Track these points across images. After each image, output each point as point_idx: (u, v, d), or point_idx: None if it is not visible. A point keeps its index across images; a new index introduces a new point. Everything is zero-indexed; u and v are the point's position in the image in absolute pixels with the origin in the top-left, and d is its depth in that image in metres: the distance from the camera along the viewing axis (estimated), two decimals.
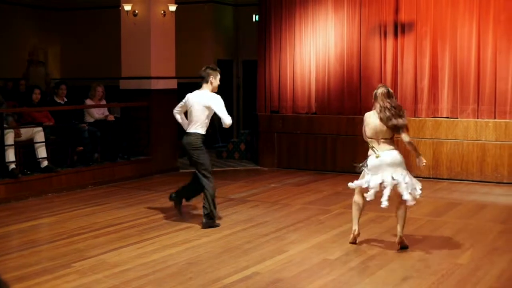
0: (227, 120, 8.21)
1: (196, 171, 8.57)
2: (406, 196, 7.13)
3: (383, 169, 7.16)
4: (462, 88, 12.08)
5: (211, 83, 8.41)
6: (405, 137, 7.19)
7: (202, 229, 8.31)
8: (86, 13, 17.99)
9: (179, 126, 13.60)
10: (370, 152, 7.28)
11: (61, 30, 18.32)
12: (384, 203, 7.09)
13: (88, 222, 8.76)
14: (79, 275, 6.43)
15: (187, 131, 8.50)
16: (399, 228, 7.32)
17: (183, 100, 8.63)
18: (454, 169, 12.13)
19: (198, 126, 8.39)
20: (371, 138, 7.28)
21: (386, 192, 7.13)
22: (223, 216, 9.08)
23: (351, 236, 7.58)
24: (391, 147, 7.21)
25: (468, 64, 12.01)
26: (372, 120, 7.26)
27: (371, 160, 7.22)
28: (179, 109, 8.75)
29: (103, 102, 12.59)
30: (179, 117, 8.79)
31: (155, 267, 6.69)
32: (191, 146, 8.41)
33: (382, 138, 7.21)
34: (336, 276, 6.36)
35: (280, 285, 6.13)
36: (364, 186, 7.27)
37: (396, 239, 7.33)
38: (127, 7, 12.79)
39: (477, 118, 11.98)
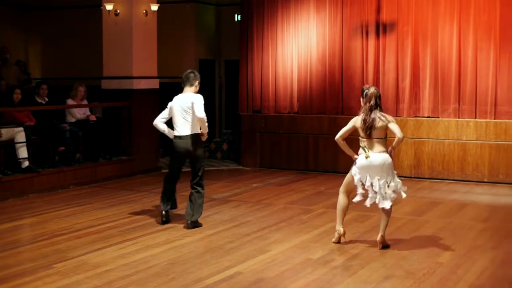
0: (201, 114, 8.24)
1: (198, 170, 8.53)
2: (382, 205, 7.24)
3: (371, 170, 7.20)
4: (443, 88, 12.15)
5: (196, 86, 8.48)
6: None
7: (184, 229, 8.30)
8: (67, 12, 17.86)
9: None
10: (360, 151, 7.32)
11: (43, 30, 18.19)
12: (368, 203, 7.26)
13: (70, 223, 8.71)
14: (60, 276, 6.39)
15: (186, 134, 8.37)
16: (381, 227, 7.35)
17: (168, 108, 8.55)
18: (436, 169, 12.20)
19: (195, 127, 8.41)
20: (363, 138, 7.32)
21: (370, 196, 7.24)
22: (205, 216, 9.07)
23: (335, 235, 7.59)
24: (383, 149, 7.24)
25: (449, 64, 12.09)
26: (358, 120, 7.31)
27: (361, 160, 7.25)
28: (164, 118, 8.63)
29: (85, 102, 12.53)
30: (164, 127, 8.65)
31: (138, 268, 6.67)
32: (199, 145, 8.47)
33: (375, 138, 7.25)
34: (319, 276, 6.38)
35: (262, 285, 6.13)
36: (359, 192, 7.31)
37: (378, 238, 7.36)
38: (109, 7, 12.74)
39: (458, 118, 12.06)
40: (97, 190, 11.27)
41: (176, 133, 8.45)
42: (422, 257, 7.01)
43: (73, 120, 12.17)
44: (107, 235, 8.03)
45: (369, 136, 7.27)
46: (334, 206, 9.62)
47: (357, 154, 7.34)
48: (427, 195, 10.81)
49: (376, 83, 12.63)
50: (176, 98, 8.51)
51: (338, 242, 7.58)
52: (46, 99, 12.02)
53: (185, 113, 8.35)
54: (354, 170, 7.32)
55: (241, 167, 14.01)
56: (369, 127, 7.24)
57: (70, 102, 12.27)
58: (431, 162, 12.23)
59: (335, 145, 12.76)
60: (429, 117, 12.32)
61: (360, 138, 7.35)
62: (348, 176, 7.49)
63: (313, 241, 7.71)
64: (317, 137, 13.30)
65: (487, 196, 10.83)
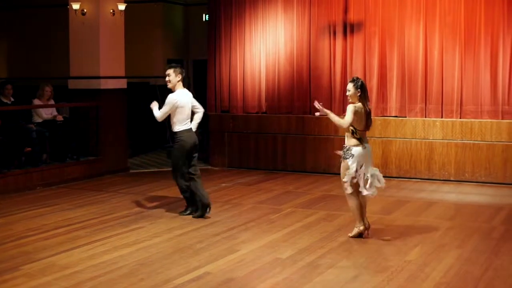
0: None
1: (195, 165, 8.94)
2: (370, 191, 7.63)
3: (366, 160, 7.57)
4: (410, 88, 12.28)
5: None
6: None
7: (153, 230, 8.27)
8: (33, 11, 17.70)
9: (129, 126, 13.59)
10: (350, 143, 7.55)
11: (8, 29, 18.01)
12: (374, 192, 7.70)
13: (37, 224, 8.63)
14: (27, 278, 6.33)
15: (190, 128, 8.94)
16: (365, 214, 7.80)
17: (171, 105, 8.76)
18: (403, 168, 12.31)
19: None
20: (362, 131, 7.58)
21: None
22: (173, 216, 9.06)
23: (355, 231, 7.82)
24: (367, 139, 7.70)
25: (416, 64, 12.21)
26: (362, 112, 7.58)
27: (359, 151, 7.52)
28: (166, 114, 8.93)
29: (52, 102, 12.41)
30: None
31: (106, 269, 6.63)
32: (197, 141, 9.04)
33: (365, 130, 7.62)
34: (288, 275, 6.40)
35: (231, 285, 6.13)
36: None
37: (367, 225, 7.80)
38: (75, 6, 12.63)
39: (425, 117, 12.19)
40: (64, 191, 11.18)
41: (187, 126, 8.87)
42: (390, 256, 7.08)
43: (39, 120, 12.05)
44: (75, 236, 7.97)
45: (367, 128, 7.66)
46: (302, 205, 9.75)
47: (348, 146, 7.62)
48: (395, 194, 10.90)
49: (343, 83, 12.71)
50: (180, 95, 8.90)
51: (359, 236, 7.80)
52: (12, 99, 11.88)
53: (189, 109, 8.96)
54: (352, 162, 7.53)
55: (209, 167, 13.98)
56: (369, 118, 7.65)
57: (36, 102, 12.15)
58: (398, 161, 12.34)
59: (303, 145, 12.97)
60: (396, 116, 12.43)
61: (359, 131, 7.56)
62: (347, 175, 7.61)
63: (282, 241, 7.73)
64: (285, 136, 13.34)
65: (453, 194, 10.96)
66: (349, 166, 7.56)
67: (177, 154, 8.89)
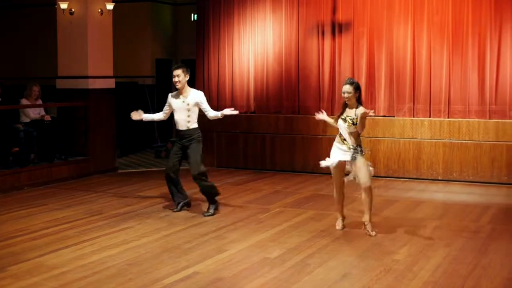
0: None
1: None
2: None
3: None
4: (398, 87, 12.31)
5: None
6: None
7: (142, 230, 8.26)
8: (21, 11, 17.64)
9: (118, 126, 13.56)
10: (358, 142, 7.83)
11: None
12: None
13: (25, 224, 8.60)
14: (15, 279, 6.30)
15: None
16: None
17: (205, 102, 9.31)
18: (391, 167, 12.35)
19: None
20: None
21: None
22: (163, 216, 9.05)
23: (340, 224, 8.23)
24: None
25: (404, 63, 12.25)
26: None
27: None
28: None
29: (39, 102, 12.36)
30: None
31: (95, 269, 6.62)
32: None
33: None
34: (276, 275, 6.41)
35: (220, 285, 6.14)
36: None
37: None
38: (63, 5, 12.59)
39: (413, 117, 12.23)
40: (52, 191, 11.14)
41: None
42: (378, 255, 7.10)
43: (27, 120, 12.00)
44: (64, 236, 7.94)
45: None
46: (291, 205, 9.76)
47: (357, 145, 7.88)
48: (383, 193, 10.93)
49: (332, 83, 12.77)
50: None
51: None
52: (0, 99, 11.83)
53: None
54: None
55: None
56: None
57: (24, 102, 12.10)
58: (386, 160, 12.38)
59: (292, 145, 12.98)
60: (384, 116, 12.46)
61: (349, 131, 7.80)
62: (370, 168, 7.93)
63: (270, 240, 7.74)
64: (274, 136, 13.35)
65: (441, 193, 11.00)
66: (364, 160, 7.85)
67: (200, 150, 9.28)
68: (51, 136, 12.16)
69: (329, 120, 8.13)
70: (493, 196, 10.77)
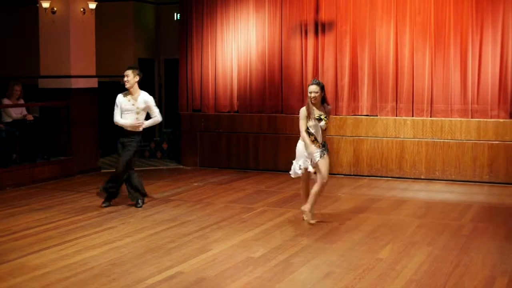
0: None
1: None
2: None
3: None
4: (381, 87, 12.36)
5: None
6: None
7: (125, 230, 8.23)
8: (1, 9, 17.51)
9: (100, 125, 13.51)
10: (324, 138, 8.31)
11: None
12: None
13: (7, 225, 8.54)
14: None
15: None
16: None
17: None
18: (374, 166, 12.39)
19: None
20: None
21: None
22: (146, 215, 9.03)
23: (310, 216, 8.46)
24: None
25: (387, 63, 12.30)
26: None
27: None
28: None
29: (21, 101, 12.27)
30: None
31: (77, 269, 6.59)
32: None
33: None
34: (260, 274, 6.41)
35: (204, 284, 6.13)
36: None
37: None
38: (45, 4, 12.53)
39: (396, 116, 12.28)
40: (35, 191, 11.08)
41: None
42: (361, 254, 7.12)
43: (9, 120, 11.92)
44: (46, 237, 7.90)
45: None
46: (274, 204, 9.78)
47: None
48: (366, 192, 10.97)
49: None
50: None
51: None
52: None
53: None
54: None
55: (181, 166, 13.96)
56: None
57: (6, 101, 12.01)
58: (370, 159, 12.42)
59: (274, 144, 12.99)
60: (367, 115, 12.50)
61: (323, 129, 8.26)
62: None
63: (254, 240, 7.75)
64: (257, 135, 13.36)
65: (424, 192, 11.05)
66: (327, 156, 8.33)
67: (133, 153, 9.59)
68: (33, 135, 12.08)
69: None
70: (475, 194, 10.85)
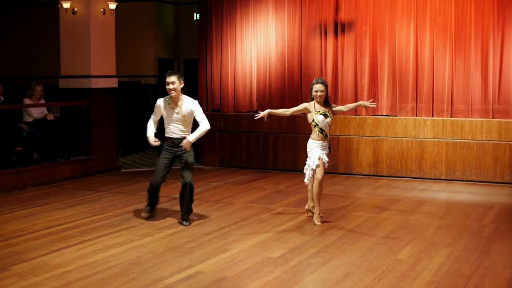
0: None
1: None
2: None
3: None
4: (401, 87, 12.31)
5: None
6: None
7: (144, 229, 8.26)
8: (24, 10, 17.65)
9: (120, 125, 13.57)
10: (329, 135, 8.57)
11: None
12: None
13: (28, 224, 8.60)
14: (18, 278, 6.31)
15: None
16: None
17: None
18: (394, 166, 12.34)
19: None
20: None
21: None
22: (166, 215, 9.05)
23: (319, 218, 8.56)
24: None
25: (407, 63, 12.24)
26: None
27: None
28: None
29: (42, 101, 12.36)
30: None
31: (97, 268, 6.62)
32: None
33: None
34: (279, 274, 6.40)
35: (223, 284, 6.14)
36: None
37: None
38: (66, 5, 12.60)
39: (416, 116, 12.22)
40: (55, 191, 11.15)
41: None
42: (381, 254, 7.09)
43: (30, 119, 12.01)
44: (66, 236, 7.95)
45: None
46: (293, 204, 9.77)
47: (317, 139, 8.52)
48: (386, 192, 10.93)
49: (334, 82, 12.75)
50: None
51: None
52: (2, 99, 11.83)
53: None
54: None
55: (201, 166, 13.98)
56: None
57: (27, 101, 12.10)
58: (389, 160, 12.37)
59: (294, 144, 12.97)
60: (387, 115, 12.45)
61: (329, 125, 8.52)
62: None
63: (273, 240, 7.74)
64: (276, 136, 13.35)
65: (444, 193, 10.99)
66: None
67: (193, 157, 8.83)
68: (54, 135, 12.16)
69: (278, 111, 8.97)
70: (496, 195, 10.76)
